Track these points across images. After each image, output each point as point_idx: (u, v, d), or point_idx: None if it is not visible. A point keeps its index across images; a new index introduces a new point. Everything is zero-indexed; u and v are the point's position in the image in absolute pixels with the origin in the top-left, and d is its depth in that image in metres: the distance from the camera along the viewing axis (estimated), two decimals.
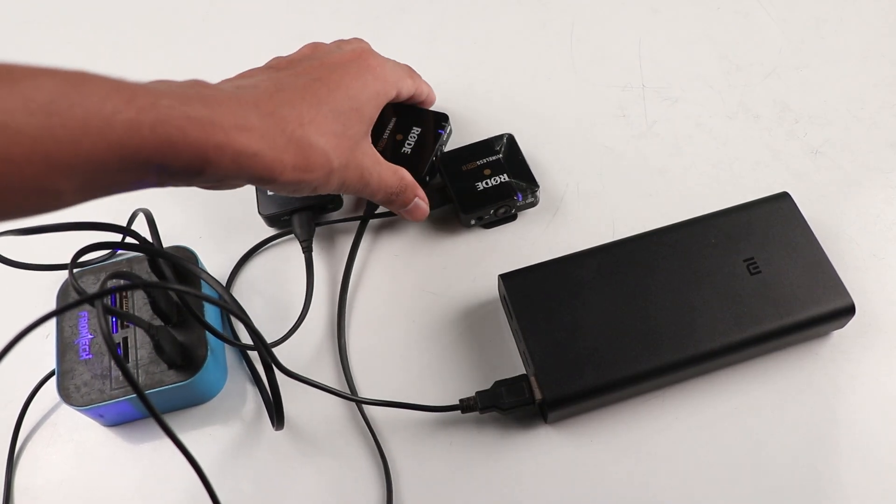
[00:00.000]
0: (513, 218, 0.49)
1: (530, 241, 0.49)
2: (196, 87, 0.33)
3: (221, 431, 0.43)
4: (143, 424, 0.44)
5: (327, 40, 0.45)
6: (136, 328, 0.42)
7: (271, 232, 0.50)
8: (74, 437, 0.44)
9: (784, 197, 0.45)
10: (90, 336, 0.42)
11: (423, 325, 0.46)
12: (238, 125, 0.32)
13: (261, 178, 0.35)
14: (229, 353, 0.46)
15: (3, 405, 0.45)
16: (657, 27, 0.58)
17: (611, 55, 0.57)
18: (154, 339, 0.39)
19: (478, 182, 0.48)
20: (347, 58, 0.41)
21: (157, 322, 0.42)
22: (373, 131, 0.43)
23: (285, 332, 0.45)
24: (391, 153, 0.48)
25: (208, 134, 0.31)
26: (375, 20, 0.60)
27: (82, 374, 0.41)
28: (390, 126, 0.49)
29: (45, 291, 0.46)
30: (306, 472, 0.42)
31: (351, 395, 0.43)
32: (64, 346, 0.42)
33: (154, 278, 0.43)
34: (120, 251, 0.48)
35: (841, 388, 0.42)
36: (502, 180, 0.48)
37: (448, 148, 0.50)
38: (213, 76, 0.38)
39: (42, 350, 0.45)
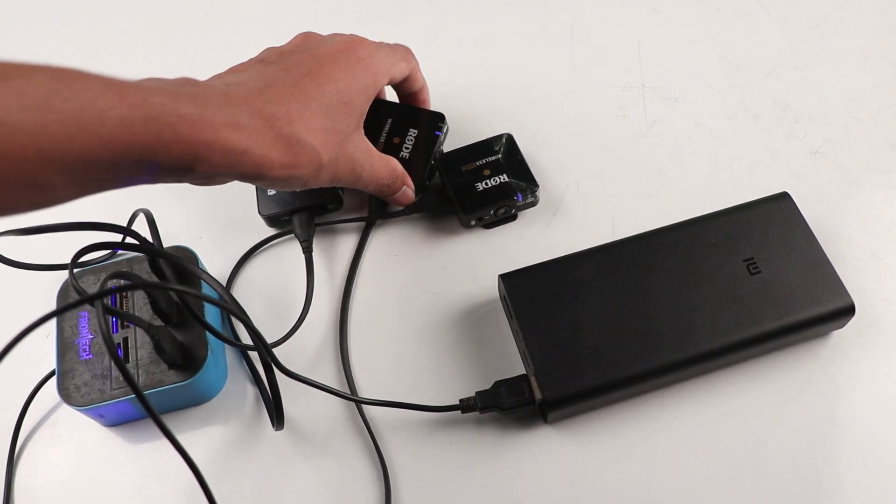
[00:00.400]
0: (513, 218, 0.49)
1: (530, 241, 0.49)
2: (187, 84, 0.34)
3: (221, 431, 0.43)
4: (143, 424, 0.44)
5: None
6: (136, 328, 0.42)
7: (271, 232, 0.50)
8: (74, 437, 0.44)
9: (784, 197, 0.45)
10: (90, 336, 0.42)
11: (423, 325, 0.46)
12: (227, 123, 0.33)
13: (250, 175, 0.35)
14: (229, 354, 0.46)
15: (3, 405, 0.45)
16: (657, 27, 0.58)
17: (611, 55, 0.57)
18: (154, 340, 0.39)
19: (477, 182, 0.48)
20: (337, 49, 0.41)
21: (158, 322, 0.42)
22: (369, 135, 0.43)
23: (285, 333, 0.45)
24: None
25: (198, 131, 0.31)
26: (375, 20, 0.61)
27: (82, 374, 0.41)
28: (386, 129, 0.49)
29: (45, 291, 0.46)
30: (306, 472, 0.42)
31: (350, 395, 0.43)
32: (64, 346, 0.42)
33: (154, 278, 0.43)
34: (120, 251, 0.48)
35: (841, 388, 0.42)
36: (502, 180, 0.48)
37: (446, 147, 0.50)
38: None
39: (42, 350, 0.45)
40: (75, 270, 0.39)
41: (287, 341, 0.44)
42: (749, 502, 0.40)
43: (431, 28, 0.60)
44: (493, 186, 0.48)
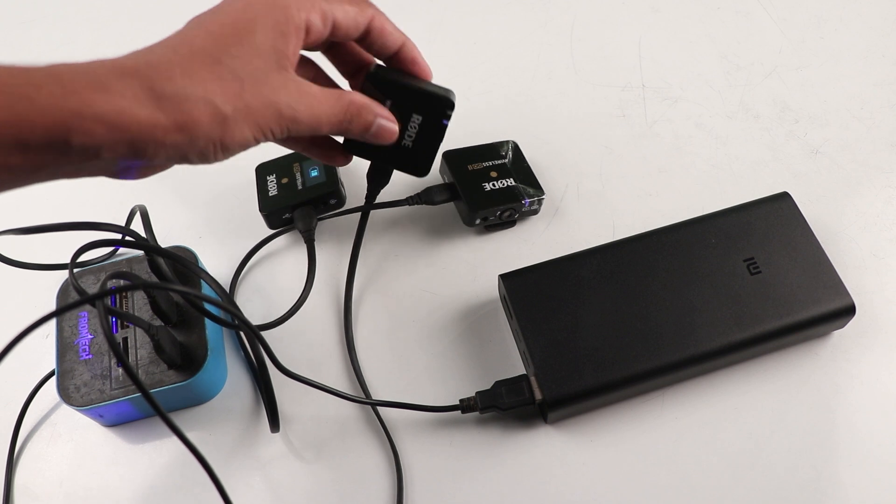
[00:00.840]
0: (511, 224, 0.49)
1: (530, 241, 0.49)
2: (60, 63, 0.31)
3: (221, 431, 0.43)
4: (143, 424, 0.44)
5: None
6: (136, 328, 0.42)
7: (272, 232, 0.50)
8: (74, 437, 0.44)
9: (784, 197, 0.45)
10: (90, 336, 0.42)
11: (423, 325, 0.46)
12: (92, 85, 0.30)
13: (145, 143, 0.32)
14: (229, 354, 0.46)
15: (3, 405, 0.45)
16: (657, 27, 0.58)
17: (611, 55, 0.57)
18: (154, 339, 0.39)
19: (484, 183, 0.48)
20: None
21: (157, 322, 0.42)
22: None
23: (283, 314, 0.45)
24: (389, 147, 0.41)
25: (58, 99, 0.29)
26: None
27: (82, 375, 0.41)
28: None
29: (45, 291, 0.46)
30: (305, 471, 0.42)
31: (350, 396, 0.42)
32: (64, 347, 0.42)
33: (154, 278, 0.43)
34: (120, 251, 0.48)
35: (841, 388, 0.42)
36: (509, 184, 0.48)
37: (446, 142, 0.49)
38: None
39: (42, 350, 0.45)
40: (75, 270, 0.39)
41: (288, 342, 0.44)
42: (749, 502, 0.40)
43: (431, 28, 0.60)
44: (500, 188, 0.48)
